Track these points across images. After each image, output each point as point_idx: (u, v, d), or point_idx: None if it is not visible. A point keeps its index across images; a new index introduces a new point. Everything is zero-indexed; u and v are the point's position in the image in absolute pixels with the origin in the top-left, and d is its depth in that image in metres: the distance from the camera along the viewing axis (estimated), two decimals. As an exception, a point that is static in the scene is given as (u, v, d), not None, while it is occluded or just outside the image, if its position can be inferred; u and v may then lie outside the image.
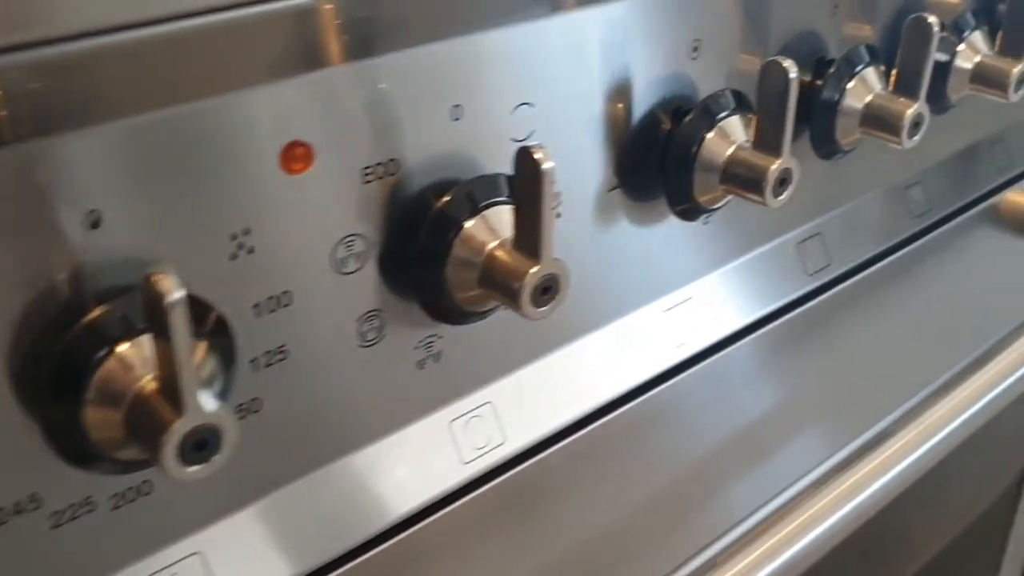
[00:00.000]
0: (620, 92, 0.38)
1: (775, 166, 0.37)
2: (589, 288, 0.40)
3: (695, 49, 0.39)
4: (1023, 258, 0.70)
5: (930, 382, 0.63)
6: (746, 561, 0.48)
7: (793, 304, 0.49)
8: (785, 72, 0.35)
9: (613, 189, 0.39)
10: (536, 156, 0.29)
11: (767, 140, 0.37)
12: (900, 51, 0.42)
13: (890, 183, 0.53)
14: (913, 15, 0.42)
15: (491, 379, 0.37)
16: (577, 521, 0.43)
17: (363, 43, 0.31)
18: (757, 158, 0.37)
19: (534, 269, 0.30)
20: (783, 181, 0.37)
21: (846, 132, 0.44)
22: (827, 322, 0.52)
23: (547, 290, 0.31)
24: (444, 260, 0.32)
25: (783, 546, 0.50)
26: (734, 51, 0.41)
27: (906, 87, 0.42)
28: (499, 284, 0.31)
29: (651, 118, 0.39)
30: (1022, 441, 0.87)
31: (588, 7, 0.36)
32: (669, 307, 0.44)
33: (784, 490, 0.54)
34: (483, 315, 0.34)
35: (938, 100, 0.50)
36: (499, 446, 0.37)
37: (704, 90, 0.40)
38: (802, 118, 0.44)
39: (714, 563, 0.48)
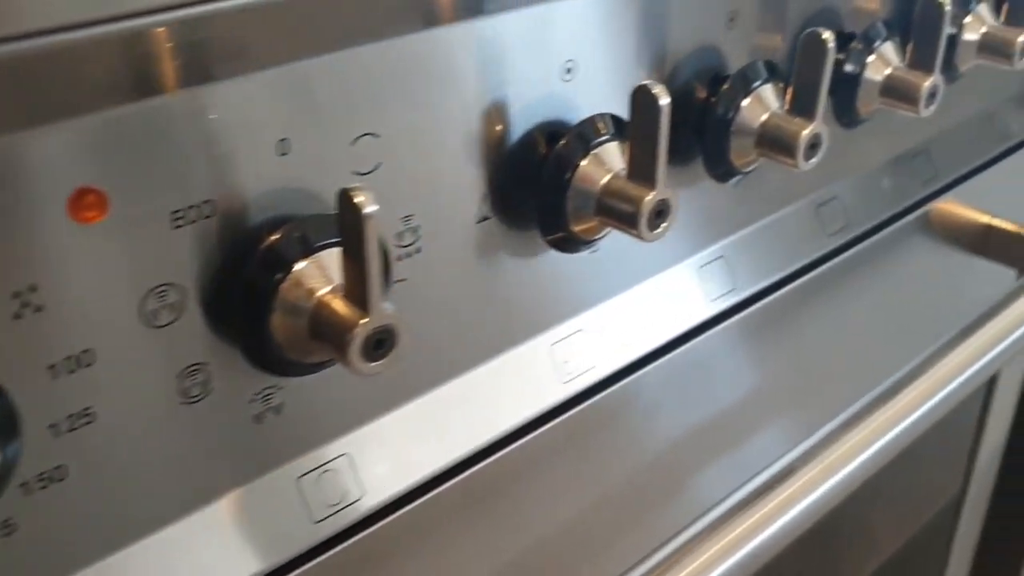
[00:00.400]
0: (490, 116, 0.35)
1: (650, 198, 0.34)
2: (462, 324, 0.37)
3: (569, 71, 0.36)
4: (956, 267, 0.68)
5: (857, 398, 0.61)
6: (703, 558, 0.46)
7: (697, 329, 0.47)
8: (655, 98, 0.33)
9: (484, 220, 0.36)
10: (356, 200, 0.26)
11: (641, 170, 0.34)
12: (796, 68, 0.40)
13: (801, 201, 0.50)
14: (808, 30, 0.39)
15: (347, 429, 0.35)
16: (540, 518, 0.42)
17: (196, 70, 0.28)
18: (632, 189, 0.35)
19: (363, 321, 0.28)
20: (660, 213, 0.35)
21: (741, 153, 0.41)
22: (738, 345, 0.50)
23: (380, 344, 0.28)
24: (269, 307, 0.29)
25: (740, 542, 0.48)
26: (616, 70, 0.38)
27: (802, 106, 0.40)
28: (327, 336, 0.28)
29: (526, 143, 0.36)
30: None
31: (455, 25, 0.33)
32: (556, 340, 0.41)
33: (732, 493, 0.52)
34: (321, 365, 0.31)
35: (847, 114, 0.47)
36: (356, 501, 0.35)
37: (587, 112, 0.37)
38: (698, 137, 0.42)
39: (674, 558, 0.46)
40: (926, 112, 0.46)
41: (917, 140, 0.57)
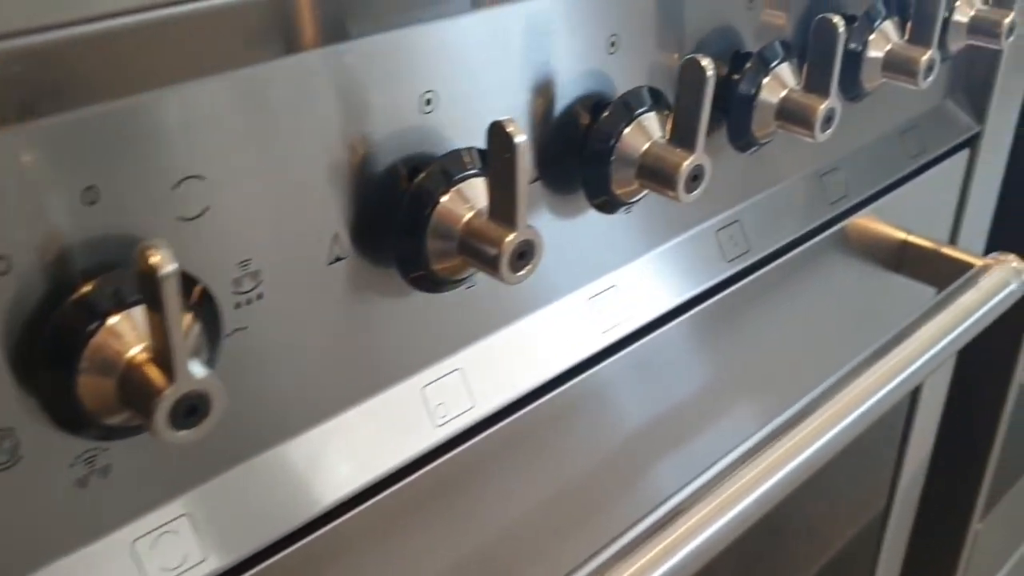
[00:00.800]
0: (343, 150, 0.33)
1: (510, 239, 0.32)
2: (316, 371, 0.35)
3: (428, 102, 0.34)
4: (877, 284, 0.66)
5: (774, 415, 0.60)
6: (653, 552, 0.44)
7: (584, 365, 0.45)
8: (510, 137, 0.31)
9: (338, 260, 0.34)
10: (152, 260, 0.24)
11: (500, 210, 0.32)
12: (676, 96, 0.38)
13: (698, 227, 0.48)
14: (687, 57, 0.37)
15: (185, 488, 0.32)
16: (493, 515, 0.42)
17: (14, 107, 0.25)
18: (492, 229, 0.33)
19: (169, 389, 0.25)
20: (523, 255, 0.33)
21: (623, 183, 0.39)
22: (641, 373, 0.48)
23: (193, 411, 0.26)
24: (75, 367, 0.26)
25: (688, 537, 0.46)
26: (487, 98, 0.36)
27: (683, 136, 0.38)
28: (134, 401, 0.26)
29: (384, 178, 0.34)
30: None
31: (312, 52, 0.31)
32: (428, 382, 0.39)
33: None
34: (138, 428, 0.29)
35: (742, 137, 0.46)
36: (199, 564, 0.32)
37: (457, 145, 0.35)
38: (580, 167, 0.40)
39: (623, 554, 0.44)
40: (822, 136, 0.44)
41: (827, 159, 0.56)
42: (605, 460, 0.49)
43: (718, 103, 0.45)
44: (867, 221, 0.63)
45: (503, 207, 0.32)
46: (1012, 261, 0.63)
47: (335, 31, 0.32)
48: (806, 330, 0.61)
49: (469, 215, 0.33)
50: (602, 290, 0.45)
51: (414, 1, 0.33)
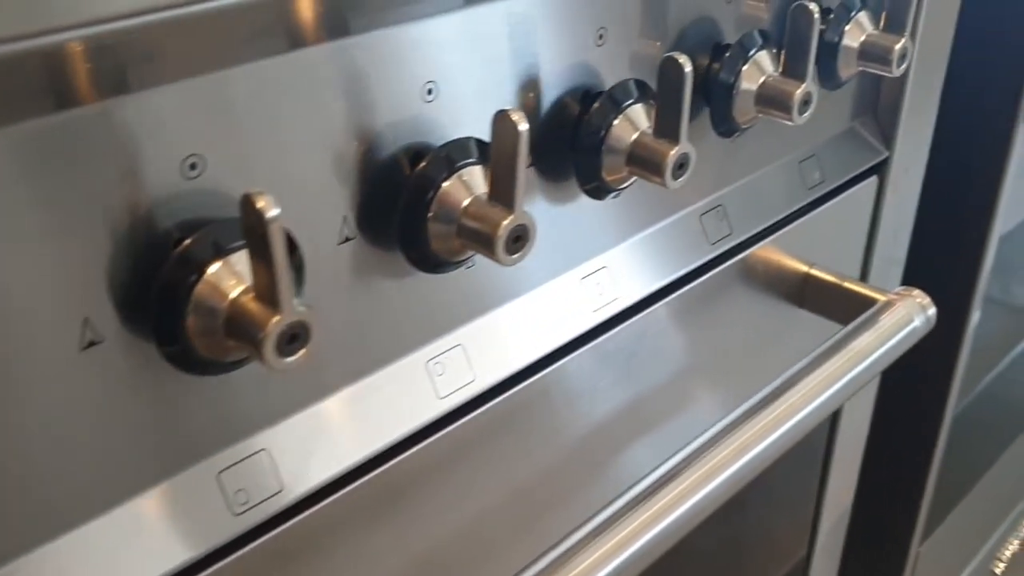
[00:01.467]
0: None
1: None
2: (85, 463, 0.32)
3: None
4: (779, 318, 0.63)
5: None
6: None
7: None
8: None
9: (92, 345, 0.30)
10: None
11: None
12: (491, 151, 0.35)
13: (565, 271, 0.45)
14: (500, 111, 0.34)
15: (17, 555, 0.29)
16: (445, 513, 0.43)
17: None
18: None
19: None
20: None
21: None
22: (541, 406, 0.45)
23: None
24: None
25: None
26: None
27: (501, 194, 0.35)
28: None
29: (154, 241, 0.31)
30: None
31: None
32: (224, 467, 0.35)
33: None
34: None
35: (591, 181, 0.42)
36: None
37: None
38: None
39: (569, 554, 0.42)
40: (674, 184, 0.41)
41: (708, 196, 0.53)
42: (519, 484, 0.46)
43: (572, 146, 0.43)
44: (770, 254, 0.60)
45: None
46: (917, 296, 0.60)
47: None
48: (702, 371, 0.58)
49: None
50: (446, 352, 0.41)
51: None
